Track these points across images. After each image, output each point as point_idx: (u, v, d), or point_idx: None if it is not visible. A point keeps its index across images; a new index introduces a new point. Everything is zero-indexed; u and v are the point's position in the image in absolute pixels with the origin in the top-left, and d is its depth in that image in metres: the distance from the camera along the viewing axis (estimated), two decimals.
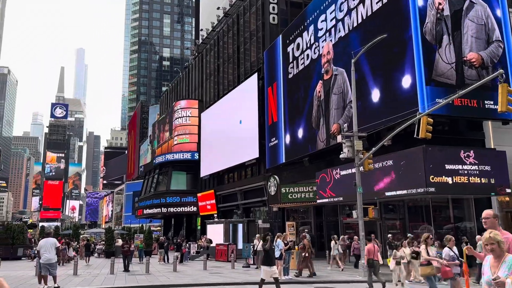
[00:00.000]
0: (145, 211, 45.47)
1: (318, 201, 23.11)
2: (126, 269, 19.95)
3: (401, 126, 15.76)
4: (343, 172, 20.95)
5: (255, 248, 21.56)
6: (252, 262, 21.89)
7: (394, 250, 14.54)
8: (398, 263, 13.99)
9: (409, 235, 16.29)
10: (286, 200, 24.75)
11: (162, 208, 41.82)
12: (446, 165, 16.69)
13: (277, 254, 16.11)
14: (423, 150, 16.81)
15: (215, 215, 35.93)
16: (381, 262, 13.87)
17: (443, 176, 16.50)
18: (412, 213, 20.55)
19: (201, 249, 29.10)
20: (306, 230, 25.34)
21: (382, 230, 20.91)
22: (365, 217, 17.13)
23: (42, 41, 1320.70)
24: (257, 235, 22.00)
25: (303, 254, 17.09)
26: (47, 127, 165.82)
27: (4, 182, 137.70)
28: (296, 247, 19.59)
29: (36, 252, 21.79)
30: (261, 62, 32.27)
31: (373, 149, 16.62)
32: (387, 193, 18.37)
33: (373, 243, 13.67)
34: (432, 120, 14.16)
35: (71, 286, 14.52)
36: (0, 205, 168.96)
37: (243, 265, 21.38)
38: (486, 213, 5.07)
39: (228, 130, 35.62)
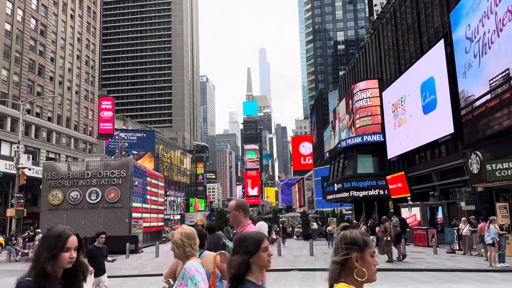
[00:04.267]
0: (334, 196, 46.35)
1: None
2: None
3: None
4: None
5: (460, 233, 19.66)
6: (457, 248, 20.01)
7: None
8: None
9: None
10: (494, 178, 21.58)
11: (351, 192, 41.88)
12: None
13: (489, 240, 14.33)
14: None
15: (409, 198, 34.05)
16: None
17: None
18: None
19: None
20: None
21: None
22: None
23: (229, 46, 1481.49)
24: (463, 219, 19.97)
25: (385, 238, 16.39)
26: (241, 123, 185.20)
27: (213, 174, 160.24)
28: (378, 229, 17.96)
29: None
30: (447, 26, 28.89)
31: None
32: None
33: (485, 222, 15.64)
34: None
35: (277, 266, 15.91)
36: (212, 195, 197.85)
37: (447, 250, 19.70)
38: (229, 205, 3.78)
39: (414, 106, 33.19)
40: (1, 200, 41.36)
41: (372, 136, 41.48)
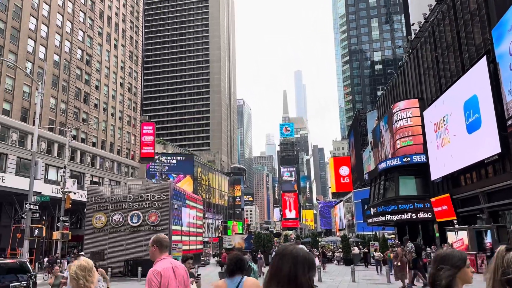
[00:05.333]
0: (376, 219, 45.00)
1: None
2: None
3: None
4: None
5: None
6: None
7: None
8: None
9: None
10: None
11: (393, 216, 40.53)
12: None
13: None
14: None
15: (455, 221, 32.52)
16: None
17: None
18: None
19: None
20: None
21: None
22: None
23: (265, 69, 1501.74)
24: None
25: (396, 263, 16.41)
26: (278, 145, 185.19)
27: (250, 196, 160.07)
28: (391, 255, 17.43)
29: None
30: (489, 43, 27.99)
31: None
32: None
33: None
34: None
35: None
36: (249, 217, 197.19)
37: None
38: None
39: (458, 125, 32.05)
40: (47, 223, 43.07)
41: (414, 156, 40.26)
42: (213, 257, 47.41)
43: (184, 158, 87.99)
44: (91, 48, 58.59)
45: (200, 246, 38.00)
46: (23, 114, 44.89)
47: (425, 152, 39.08)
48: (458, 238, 26.89)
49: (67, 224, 35.83)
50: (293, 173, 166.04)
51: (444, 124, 34.78)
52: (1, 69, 42.32)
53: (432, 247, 27.97)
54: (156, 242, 4.06)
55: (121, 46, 67.34)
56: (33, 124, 32.71)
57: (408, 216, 38.97)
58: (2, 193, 36.00)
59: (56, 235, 31.41)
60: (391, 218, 40.84)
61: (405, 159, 40.87)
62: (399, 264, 16.19)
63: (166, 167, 74.91)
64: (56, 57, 51.04)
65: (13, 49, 44.06)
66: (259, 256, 28.14)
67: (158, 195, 28.72)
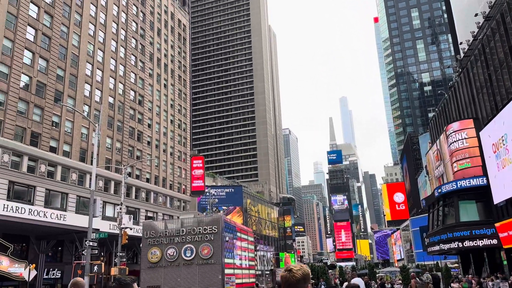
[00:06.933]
0: (436, 248, 42.48)
1: None
2: None
3: None
4: None
5: None
6: None
7: None
8: None
9: None
10: None
11: (455, 243, 38.10)
12: None
13: None
14: None
15: None
16: None
17: None
18: None
19: None
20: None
21: None
22: None
23: (309, 97, 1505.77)
24: None
25: None
26: (327, 173, 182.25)
27: (301, 227, 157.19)
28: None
29: None
30: None
31: None
32: None
33: None
34: None
35: None
36: (301, 248, 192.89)
37: None
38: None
39: None
40: (105, 259, 44.47)
41: (474, 179, 38.07)
42: None
43: (233, 190, 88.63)
44: (142, 89, 61.68)
45: (253, 280, 37.47)
46: (82, 154, 47.55)
47: (485, 174, 36.88)
48: None
49: (124, 259, 36.79)
50: (344, 201, 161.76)
51: (504, 144, 32.81)
52: (61, 114, 45.42)
53: (498, 275, 25.95)
54: (73, 285, 5.22)
55: (170, 85, 70.38)
56: (91, 164, 34.49)
57: (471, 243, 36.52)
58: (63, 231, 37.80)
59: (114, 270, 32.28)
60: (452, 246, 38.43)
61: (463, 183, 38.73)
62: None
63: (216, 200, 75.68)
64: (110, 99, 54.14)
65: (71, 94, 47.31)
66: None
67: (209, 228, 28.86)
